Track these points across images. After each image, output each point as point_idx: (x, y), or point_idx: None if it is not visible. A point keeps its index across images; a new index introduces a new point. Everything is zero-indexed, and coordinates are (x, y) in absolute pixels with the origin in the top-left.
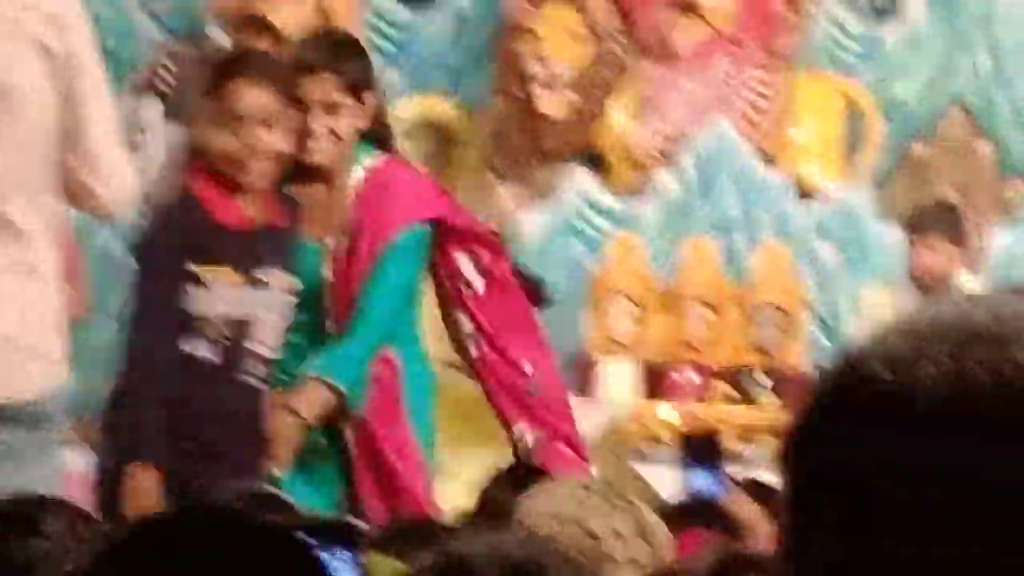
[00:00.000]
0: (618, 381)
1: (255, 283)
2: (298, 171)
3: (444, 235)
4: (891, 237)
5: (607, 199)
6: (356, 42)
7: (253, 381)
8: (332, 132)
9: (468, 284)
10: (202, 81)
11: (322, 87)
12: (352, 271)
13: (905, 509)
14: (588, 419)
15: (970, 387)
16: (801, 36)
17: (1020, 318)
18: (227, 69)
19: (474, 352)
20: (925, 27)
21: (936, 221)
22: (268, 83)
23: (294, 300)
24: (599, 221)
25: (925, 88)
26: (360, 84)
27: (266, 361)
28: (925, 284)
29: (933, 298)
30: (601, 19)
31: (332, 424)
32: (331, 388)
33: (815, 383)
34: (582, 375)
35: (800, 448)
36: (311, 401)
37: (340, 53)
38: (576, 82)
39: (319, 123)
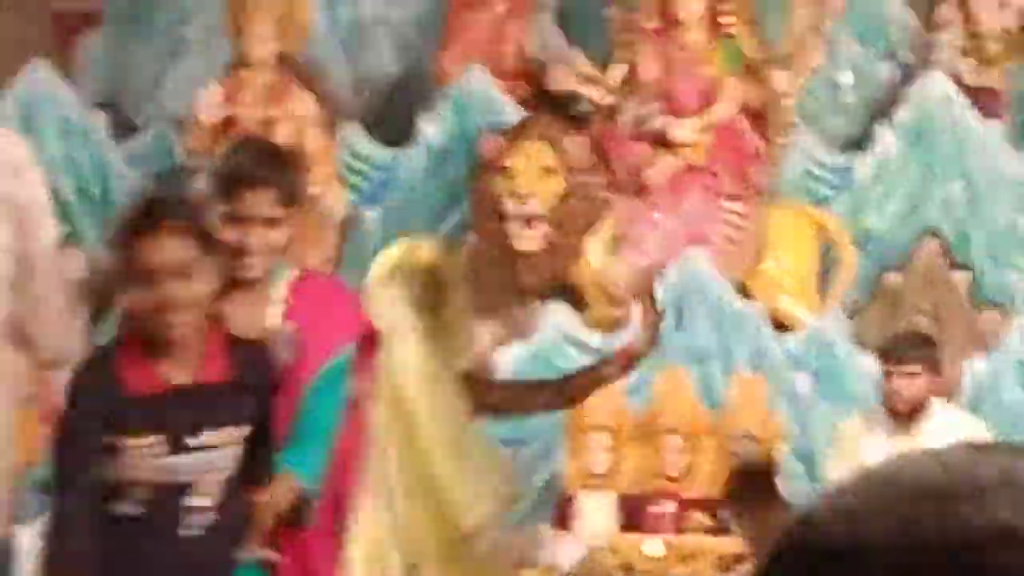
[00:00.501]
0: (596, 514)
1: (187, 449)
2: (224, 286)
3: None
4: (866, 367)
5: (585, 334)
6: (288, 153)
7: (194, 532)
8: (268, 246)
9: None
10: (113, 238)
11: (261, 201)
12: (294, 382)
13: None
14: (566, 552)
15: (917, 542)
16: (774, 168)
17: (970, 474)
18: (136, 223)
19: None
20: (897, 158)
21: (911, 350)
22: (184, 231)
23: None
24: (577, 356)
25: (898, 218)
26: (295, 196)
27: (212, 508)
28: (901, 414)
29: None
30: (575, 155)
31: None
32: (295, 483)
33: (773, 542)
34: (560, 509)
35: None
36: (283, 491)
37: (277, 165)
38: (551, 218)
39: (257, 238)
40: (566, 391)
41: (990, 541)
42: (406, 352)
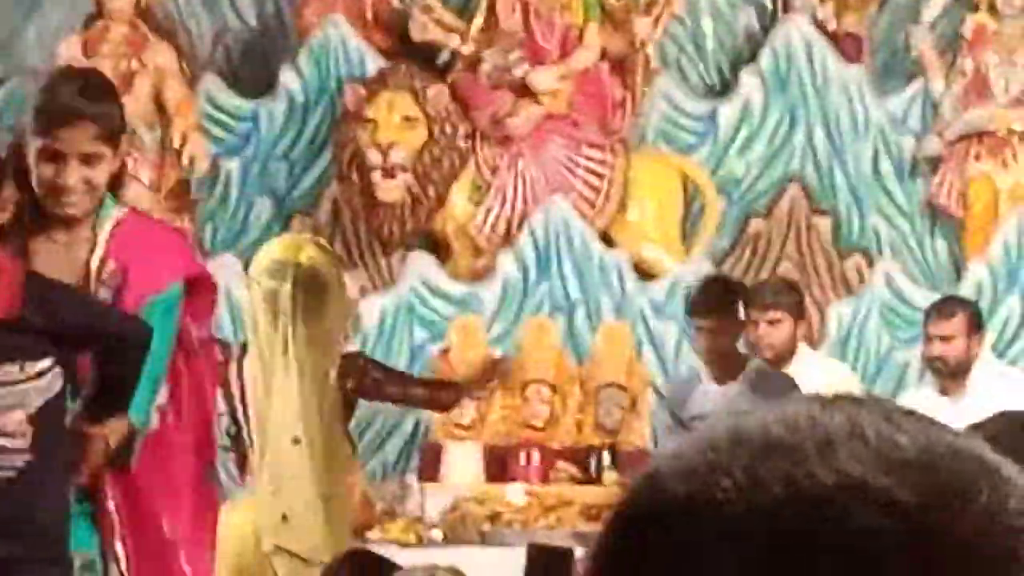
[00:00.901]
0: (462, 464)
1: None
2: (43, 221)
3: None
4: None
5: (448, 283)
6: (111, 85)
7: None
8: (88, 183)
9: (192, 347)
10: None
11: (79, 136)
12: None
13: None
14: (434, 502)
15: (766, 500)
16: (637, 116)
17: (816, 428)
18: None
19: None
20: (759, 104)
21: (774, 297)
22: None
23: (53, 381)
24: (440, 306)
25: (761, 165)
26: (116, 131)
27: (19, 450)
28: (764, 359)
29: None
30: (437, 104)
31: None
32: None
33: (617, 498)
34: (429, 460)
35: (603, 564)
36: (112, 428)
37: (96, 98)
38: (414, 168)
39: (75, 175)
40: (439, 399)
41: (840, 496)
42: (250, 364)
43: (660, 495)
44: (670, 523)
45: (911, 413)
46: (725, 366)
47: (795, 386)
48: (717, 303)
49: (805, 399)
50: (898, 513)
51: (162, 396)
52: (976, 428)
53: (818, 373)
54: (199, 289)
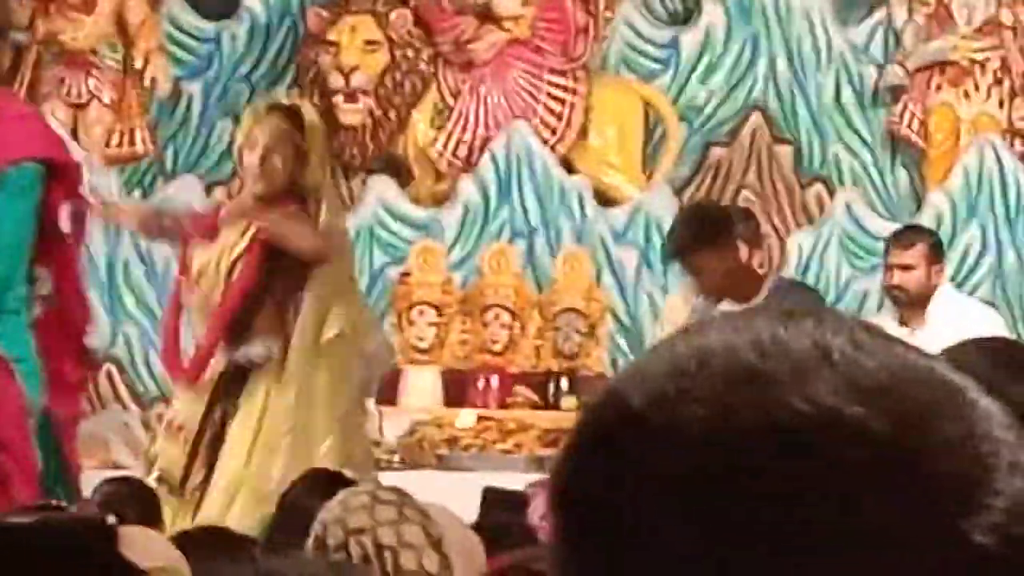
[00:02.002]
0: (421, 388)
1: None
2: None
3: (51, 178)
4: None
5: (409, 208)
6: None
7: None
8: None
9: (63, 233)
10: None
11: None
12: None
13: (668, 551)
14: (392, 426)
15: (738, 430)
16: (599, 42)
17: (784, 353)
18: None
19: (39, 309)
20: (722, 32)
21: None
22: None
23: None
24: (401, 230)
25: (723, 92)
26: None
27: None
28: (721, 288)
29: (693, 324)
30: (399, 28)
31: None
32: None
33: (577, 419)
34: (387, 383)
35: (567, 489)
36: None
37: None
38: (376, 92)
39: None
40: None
41: (815, 425)
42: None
43: (628, 420)
44: (645, 450)
45: (871, 329)
46: (746, 291)
47: (821, 299)
48: (748, 226)
49: (765, 314)
50: (871, 442)
51: (45, 287)
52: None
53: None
54: (63, 175)
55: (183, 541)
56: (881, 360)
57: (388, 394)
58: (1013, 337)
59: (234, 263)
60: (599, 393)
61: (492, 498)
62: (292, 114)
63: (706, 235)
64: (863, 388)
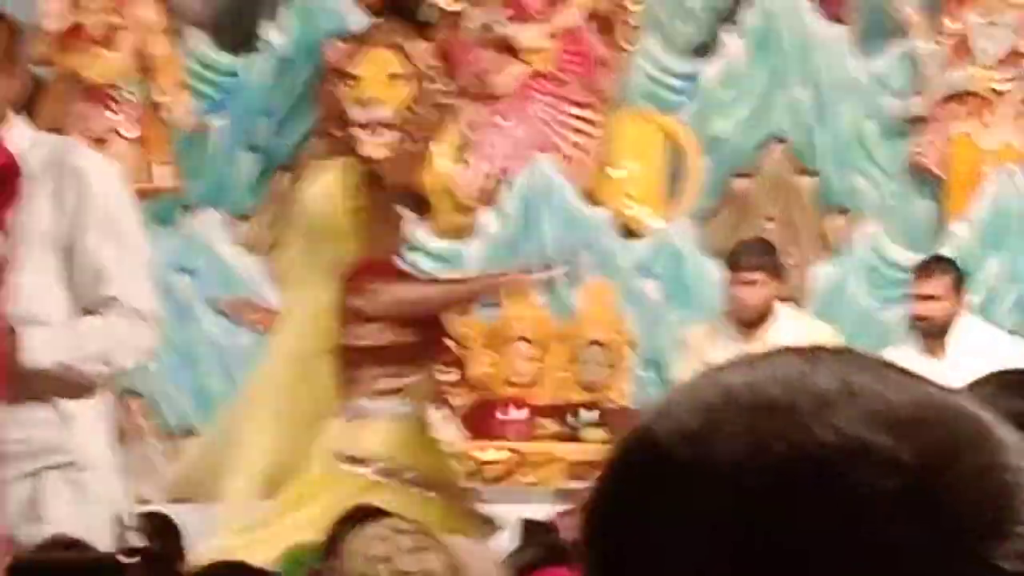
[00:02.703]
0: (445, 420)
1: None
2: None
3: None
4: (713, 274)
5: (431, 240)
6: None
7: None
8: None
9: None
10: None
11: None
12: None
13: None
14: None
15: (768, 463)
16: (620, 74)
17: (811, 389)
18: None
19: None
20: (743, 63)
21: (752, 257)
22: None
23: None
24: (424, 263)
25: (745, 124)
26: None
27: None
28: (745, 321)
29: (714, 364)
30: (421, 61)
31: None
32: None
33: (607, 459)
34: None
35: (599, 526)
36: None
37: None
38: (398, 125)
39: None
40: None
41: (840, 457)
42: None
43: (660, 457)
44: (675, 485)
45: (891, 366)
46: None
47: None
48: (768, 258)
49: (787, 353)
50: (899, 472)
51: None
52: (970, 389)
53: (799, 334)
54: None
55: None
56: (905, 394)
57: None
58: None
59: None
60: (627, 431)
61: (531, 528)
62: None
63: (766, 259)
64: (888, 420)
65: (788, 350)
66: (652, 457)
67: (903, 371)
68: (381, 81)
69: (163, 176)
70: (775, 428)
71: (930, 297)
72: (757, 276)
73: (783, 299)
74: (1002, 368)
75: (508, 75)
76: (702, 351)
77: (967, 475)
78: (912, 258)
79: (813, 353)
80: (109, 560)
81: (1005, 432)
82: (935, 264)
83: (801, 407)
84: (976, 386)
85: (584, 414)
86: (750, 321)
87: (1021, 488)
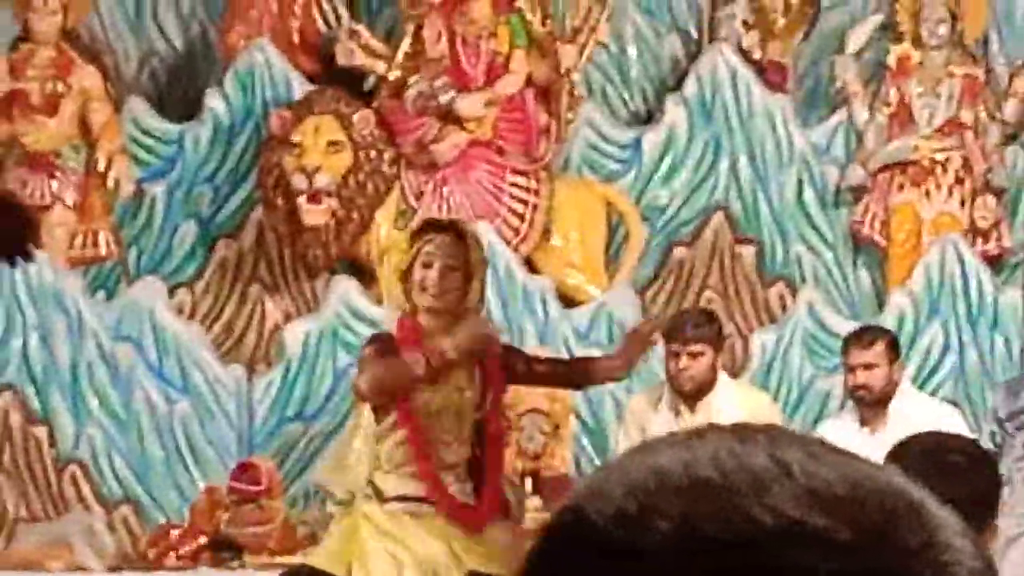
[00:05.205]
0: None
1: None
2: None
3: None
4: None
5: (371, 308)
6: None
7: None
8: None
9: None
10: None
11: None
12: None
13: None
14: None
15: (700, 544)
16: (561, 143)
17: (743, 466)
18: None
19: None
20: (684, 132)
21: (694, 329)
22: None
23: None
24: (364, 330)
25: (685, 193)
26: None
27: None
28: (685, 391)
29: (641, 444)
30: (362, 130)
31: None
32: None
33: (537, 538)
34: None
35: None
36: None
37: None
38: (339, 192)
39: None
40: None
41: (777, 538)
42: None
43: (592, 537)
44: (610, 569)
45: (824, 444)
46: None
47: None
48: (709, 328)
49: (717, 432)
50: (836, 553)
51: None
52: (891, 453)
53: (739, 403)
54: None
55: None
56: (839, 472)
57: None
58: (974, 436)
59: None
60: (558, 511)
61: None
62: (460, 232)
63: (709, 332)
64: (824, 499)
65: (720, 428)
66: (585, 540)
67: (834, 449)
68: (322, 149)
69: (104, 244)
70: (710, 511)
71: (869, 365)
72: (700, 348)
73: (723, 368)
74: (915, 433)
75: (449, 143)
76: (643, 420)
77: (904, 554)
78: (851, 327)
79: (743, 432)
80: None
81: (939, 509)
82: (870, 332)
83: (736, 487)
84: (898, 450)
85: (522, 482)
86: (691, 392)
87: (960, 566)
